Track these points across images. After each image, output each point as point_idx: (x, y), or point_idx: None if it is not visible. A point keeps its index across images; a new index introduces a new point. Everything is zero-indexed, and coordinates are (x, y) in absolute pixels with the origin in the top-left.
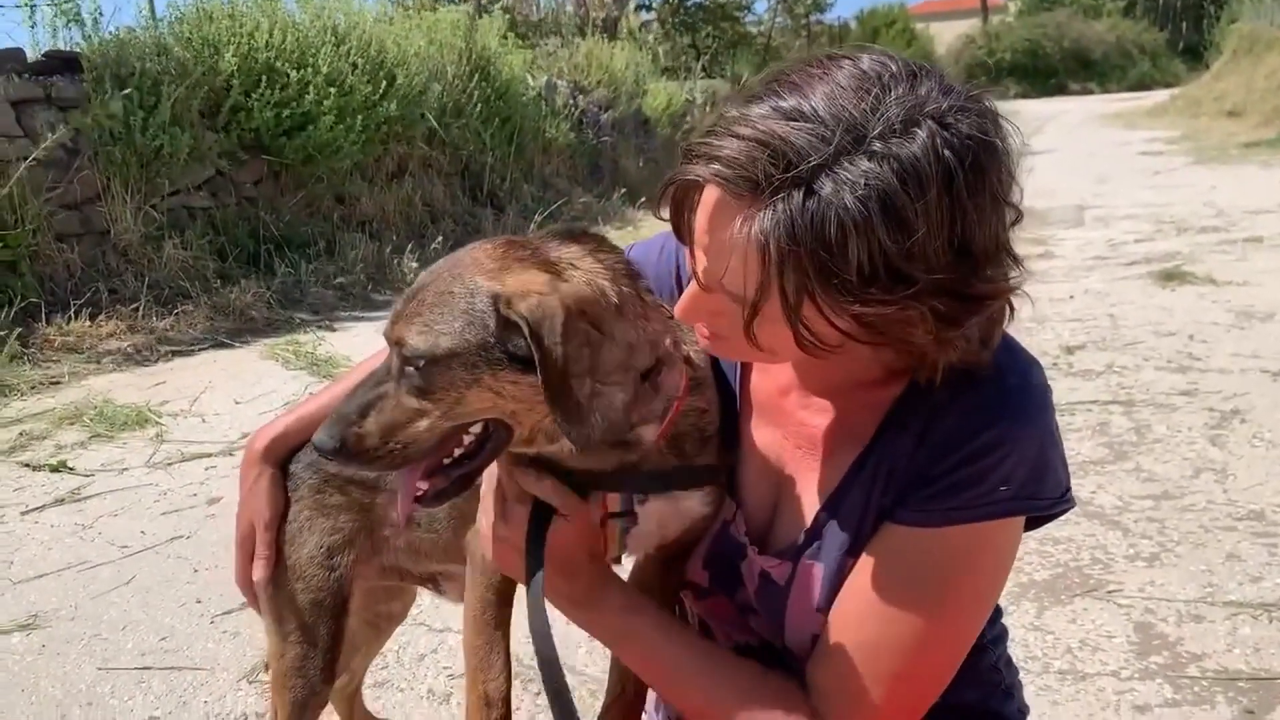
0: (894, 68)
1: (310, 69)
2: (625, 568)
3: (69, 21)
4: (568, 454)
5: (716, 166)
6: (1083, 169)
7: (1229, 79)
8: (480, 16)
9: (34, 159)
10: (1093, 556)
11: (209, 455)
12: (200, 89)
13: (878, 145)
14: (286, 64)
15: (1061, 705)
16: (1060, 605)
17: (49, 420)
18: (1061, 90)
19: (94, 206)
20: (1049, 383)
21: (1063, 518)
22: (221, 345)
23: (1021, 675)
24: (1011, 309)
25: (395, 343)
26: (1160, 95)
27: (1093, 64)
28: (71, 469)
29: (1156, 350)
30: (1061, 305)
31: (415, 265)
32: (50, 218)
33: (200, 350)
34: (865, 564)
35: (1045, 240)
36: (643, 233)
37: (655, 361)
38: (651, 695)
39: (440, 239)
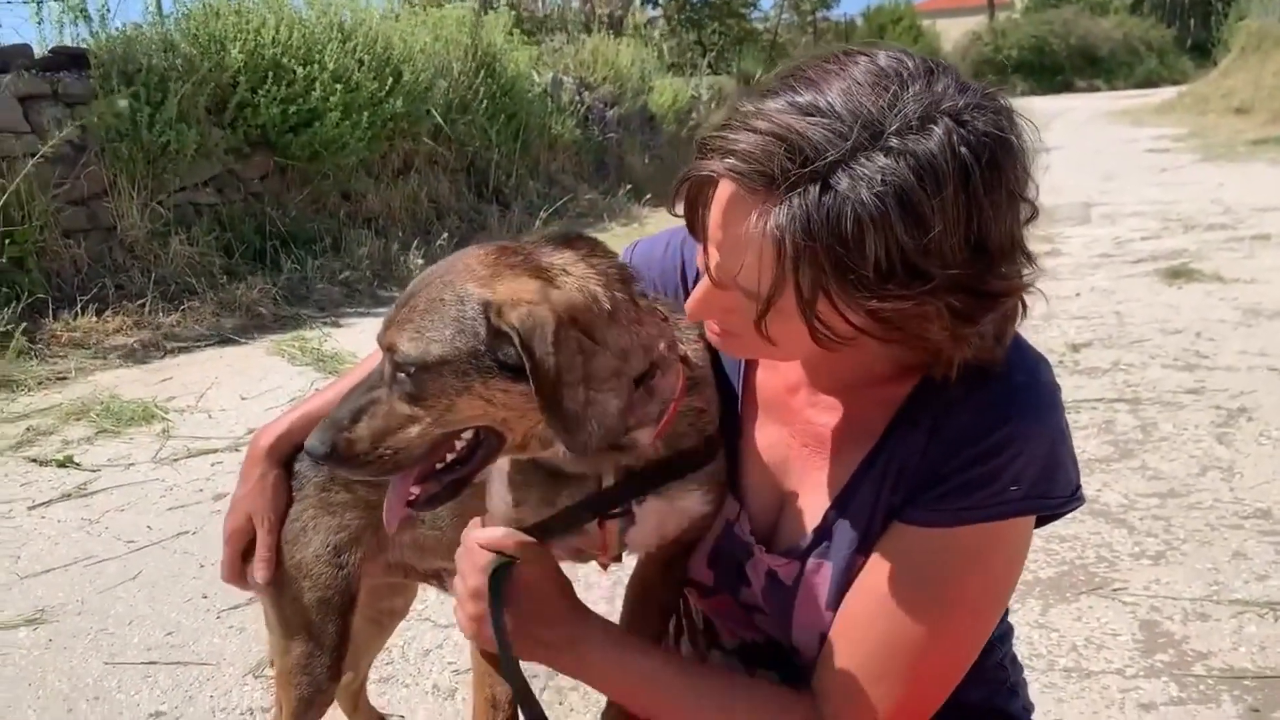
0: (910, 65)
1: (316, 65)
2: (626, 567)
3: (76, 18)
4: (563, 458)
5: (732, 161)
6: (1089, 166)
7: (1237, 76)
8: (486, 13)
9: (41, 155)
10: (1098, 554)
11: (215, 451)
12: (207, 85)
13: (895, 142)
14: (293, 60)
15: (1066, 703)
16: (1065, 603)
17: (56, 416)
18: (1068, 87)
19: (101, 202)
20: (1057, 380)
21: (1068, 515)
22: (228, 341)
23: (1026, 673)
24: (1024, 306)
25: (387, 349)
26: (1168, 92)
27: (1099, 61)
28: (78, 464)
29: (1163, 348)
30: (1068, 303)
31: (421, 262)
32: (57, 214)
33: (206, 346)
34: (875, 563)
35: (1052, 238)
36: (648, 229)
37: (649, 365)
38: None
39: (446, 235)
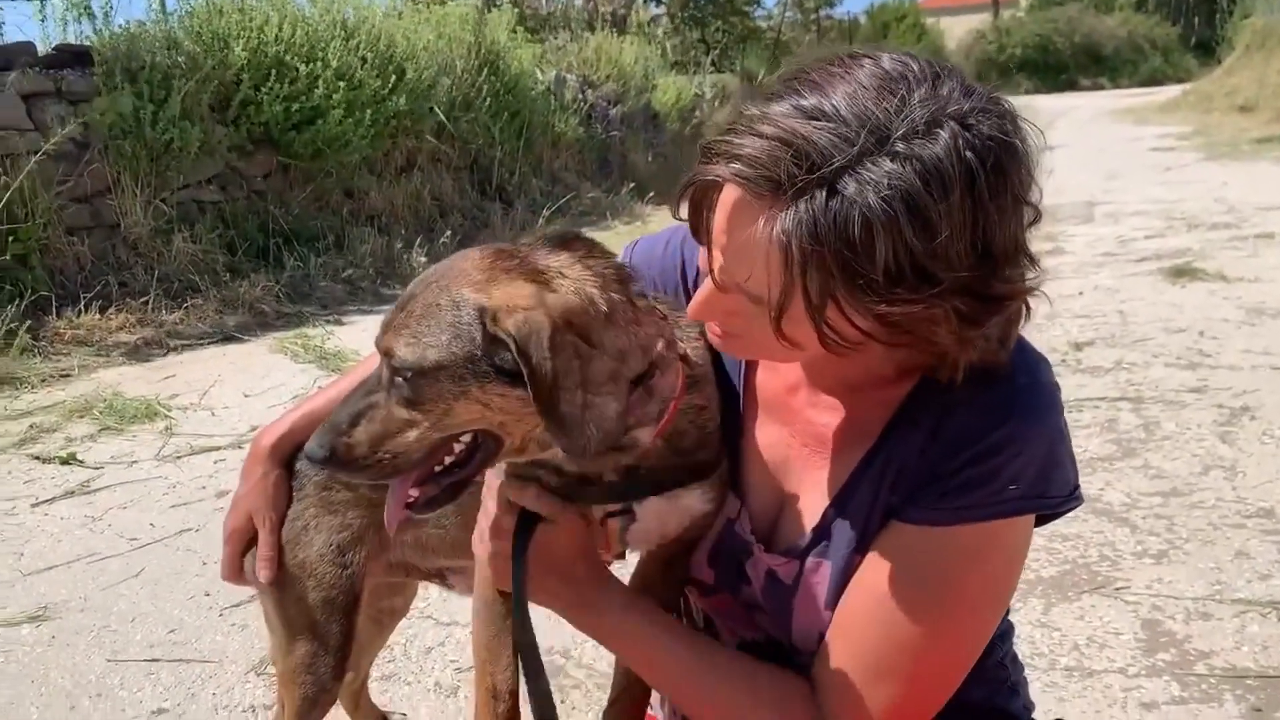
0: (915, 68)
1: (320, 63)
2: (629, 565)
3: (80, 15)
4: (563, 459)
5: (737, 166)
6: (1093, 165)
7: (1241, 74)
8: (489, 10)
9: (43, 152)
10: (1100, 553)
11: (218, 448)
12: (210, 83)
13: (901, 146)
14: (296, 58)
15: (1068, 702)
16: (1067, 602)
17: (59, 413)
18: (1072, 86)
19: (104, 200)
20: (1057, 380)
21: (1071, 514)
22: (231, 339)
23: (1028, 672)
24: (1028, 309)
25: (385, 353)
26: (1172, 90)
27: (1104, 59)
28: (81, 461)
29: (1166, 347)
30: (1071, 301)
31: (424, 259)
32: (60, 211)
33: (209, 344)
34: (873, 562)
35: (1055, 236)
36: (651, 227)
37: (648, 365)
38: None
39: (449, 233)
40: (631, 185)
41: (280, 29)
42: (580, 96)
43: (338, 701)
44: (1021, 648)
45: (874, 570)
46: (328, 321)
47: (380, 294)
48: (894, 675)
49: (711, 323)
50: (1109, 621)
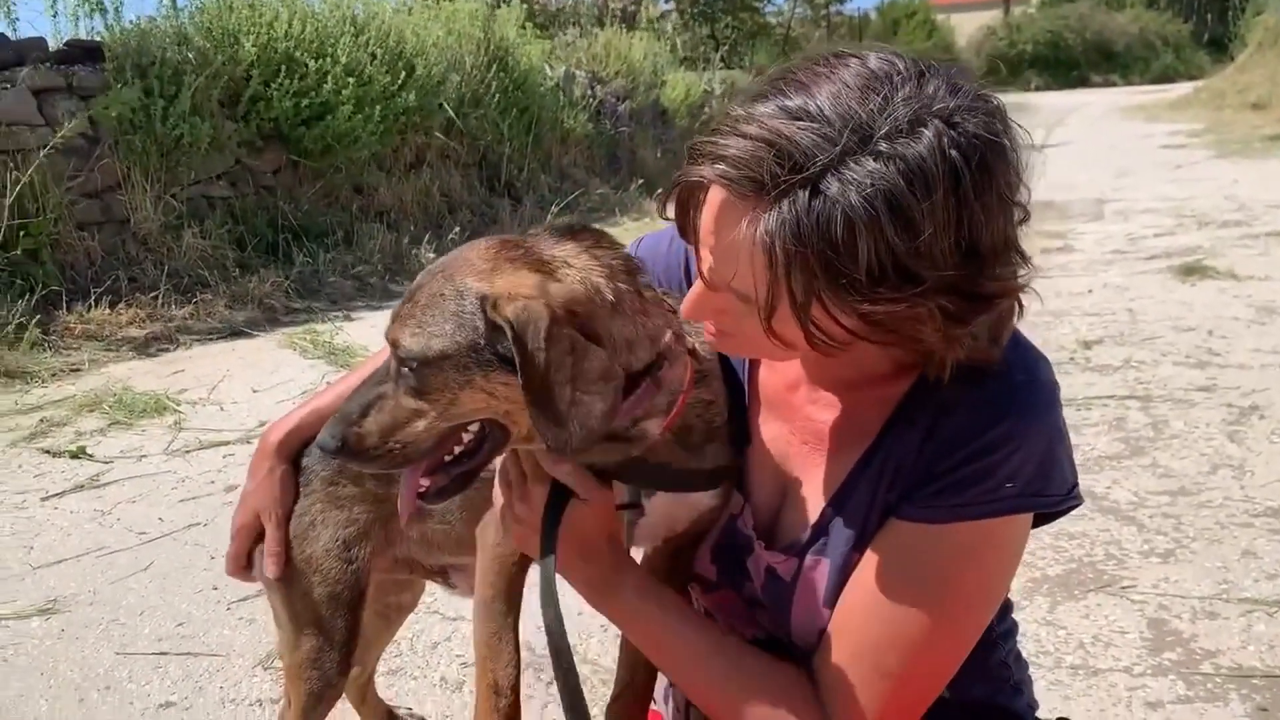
0: (901, 67)
1: (329, 59)
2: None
3: (91, 11)
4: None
5: (722, 167)
6: (1103, 162)
7: (1253, 71)
8: (499, 6)
9: (51, 147)
10: (1107, 552)
11: (226, 443)
12: (220, 79)
13: (884, 145)
14: (305, 54)
15: (1073, 701)
16: (1073, 600)
17: (69, 407)
18: (1084, 82)
19: (114, 195)
20: (1057, 379)
21: (1077, 513)
22: (240, 334)
23: (1033, 670)
24: (1021, 306)
25: (392, 343)
26: (1184, 88)
27: (1115, 56)
28: (91, 456)
29: (1175, 345)
30: (1080, 299)
31: (432, 255)
32: (71, 206)
33: (218, 339)
34: (870, 560)
35: (1065, 234)
36: (660, 224)
37: (656, 356)
38: (660, 685)
39: (458, 229)
40: (640, 182)
41: (290, 25)
42: (589, 93)
43: (345, 696)
44: (1027, 646)
45: (871, 568)
46: (336, 317)
47: (389, 290)
48: (890, 671)
49: (706, 321)
50: (1115, 620)
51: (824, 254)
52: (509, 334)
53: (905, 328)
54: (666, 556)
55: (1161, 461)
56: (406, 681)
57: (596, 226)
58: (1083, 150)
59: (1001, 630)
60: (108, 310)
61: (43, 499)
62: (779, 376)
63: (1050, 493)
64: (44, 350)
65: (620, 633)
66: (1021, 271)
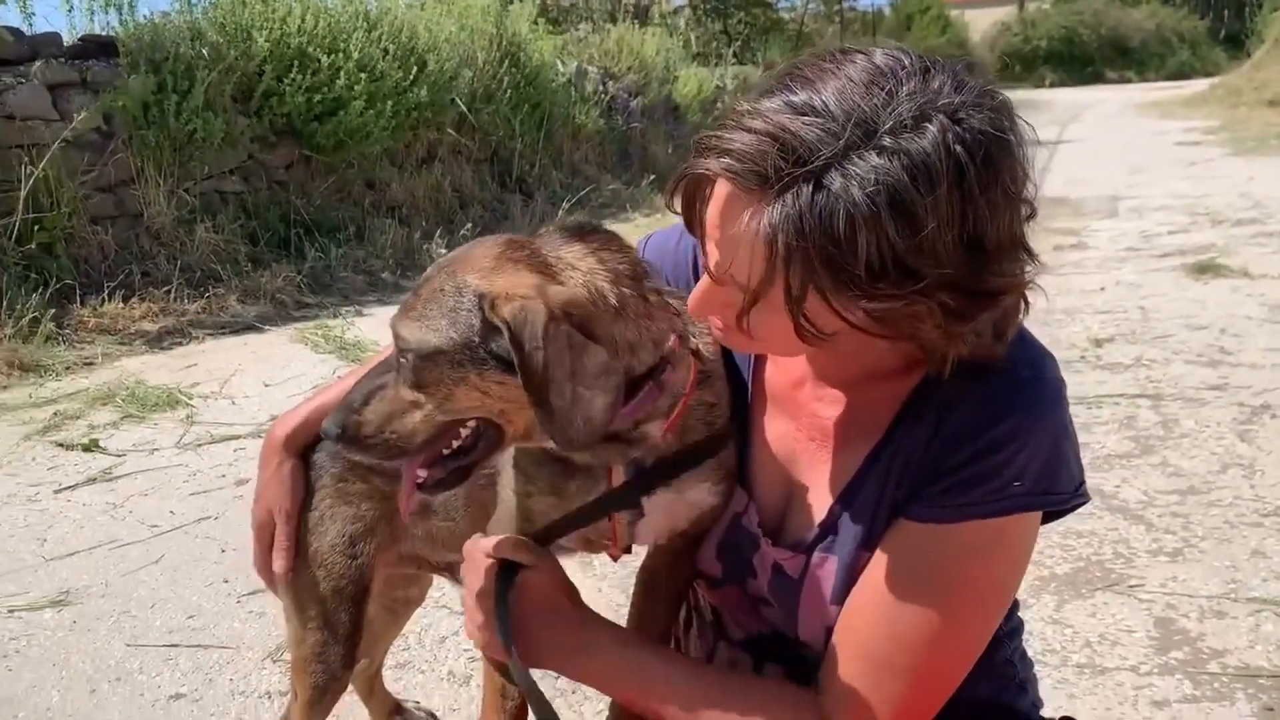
0: (907, 62)
1: (341, 54)
2: (635, 560)
3: (105, 6)
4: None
5: (727, 160)
6: (1118, 159)
7: (1270, 68)
8: (511, 2)
9: (62, 139)
10: (1115, 551)
11: (238, 437)
12: (233, 74)
13: (888, 140)
14: (318, 49)
15: (1079, 699)
16: (1080, 599)
17: (82, 400)
18: (1099, 79)
19: (128, 190)
20: (1063, 376)
21: (1086, 511)
22: (252, 328)
23: (1039, 669)
24: (1027, 303)
25: (394, 335)
26: (1199, 84)
27: (1131, 52)
28: (103, 449)
29: (1187, 344)
30: (1092, 297)
31: (444, 251)
32: (85, 201)
33: (230, 333)
34: (878, 560)
35: (1078, 231)
36: (671, 219)
37: (659, 360)
38: None
39: (469, 225)
40: (652, 178)
41: (303, 20)
42: (601, 88)
43: (353, 689)
44: (1033, 645)
45: (880, 568)
46: (348, 312)
47: (400, 285)
48: (899, 672)
49: (713, 317)
50: (1122, 619)
51: (825, 249)
52: (506, 334)
53: (904, 323)
54: (668, 555)
55: (1171, 460)
56: (414, 675)
57: (607, 228)
58: (1097, 147)
59: (1008, 628)
60: (121, 304)
61: (56, 491)
62: (784, 373)
63: (1058, 490)
64: (58, 344)
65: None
66: (1028, 268)
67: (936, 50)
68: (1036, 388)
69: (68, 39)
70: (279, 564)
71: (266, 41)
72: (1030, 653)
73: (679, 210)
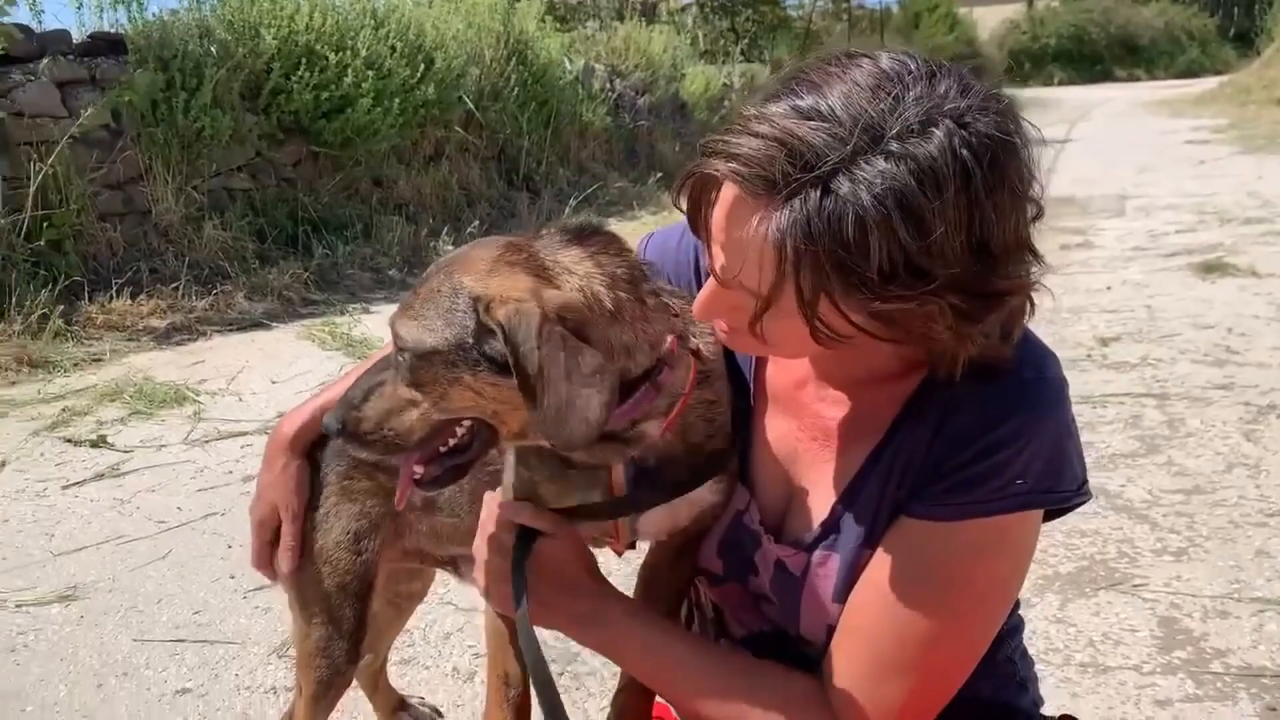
0: (913, 66)
1: (349, 52)
2: (637, 556)
3: (114, 3)
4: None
5: (734, 165)
6: (1125, 158)
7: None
8: (518, 0)
9: (70, 135)
10: (1119, 550)
11: (245, 434)
12: (241, 71)
13: (895, 145)
14: (326, 47)
15: (1081, 698)
16: (1084, 598)
17: (90, 397)
18: (1108, 77)
19: (136, 187)
20: (1066, 376)
21: (1090, 511)
22: (259, 325)
23: (1042, 668)
24: (1033, 304)
25: (393, 334)
26: (1209, 82)
27: (1140, 50)
28: (111, 445)
29: (1193, 343)
30: (1099, 296)
31: (450, 248)
32: (94, 197)
33: (238, 330)
34: (881, 558)
35: (1085, 230)
36: (677, 217)
37: (656, 361)
38: None
39: (476, 222)
40: (659, 175)
41: (311, 18)
42: (608, 86)
43: (358, 684)
44: (1036, 643)
45: (881, 566)
46: (355, 309)
47: (407, 283)
48: (901, 670)
49: (719, 319)
50: (1125, 618)
51: (835, 252)
52: (501, 336)
53: (916, 324)
54: (670, 551)
55: (1177, 460)
56: (419, 671)
57: (608, 229)
58: (1105, 146)
59: (1008, 627)
60: (129, 301)
61: (64, 487)
62: (787, 374)
63: (1060, 489)
64: (66, 340)
65: None
66: (1034, 269)
67: (945, 48)
68: (1040, 388)
69: (77, 36)
70: (286, 562)
71: (274, 39)
72: (1033, 651)
73: (685, 208)
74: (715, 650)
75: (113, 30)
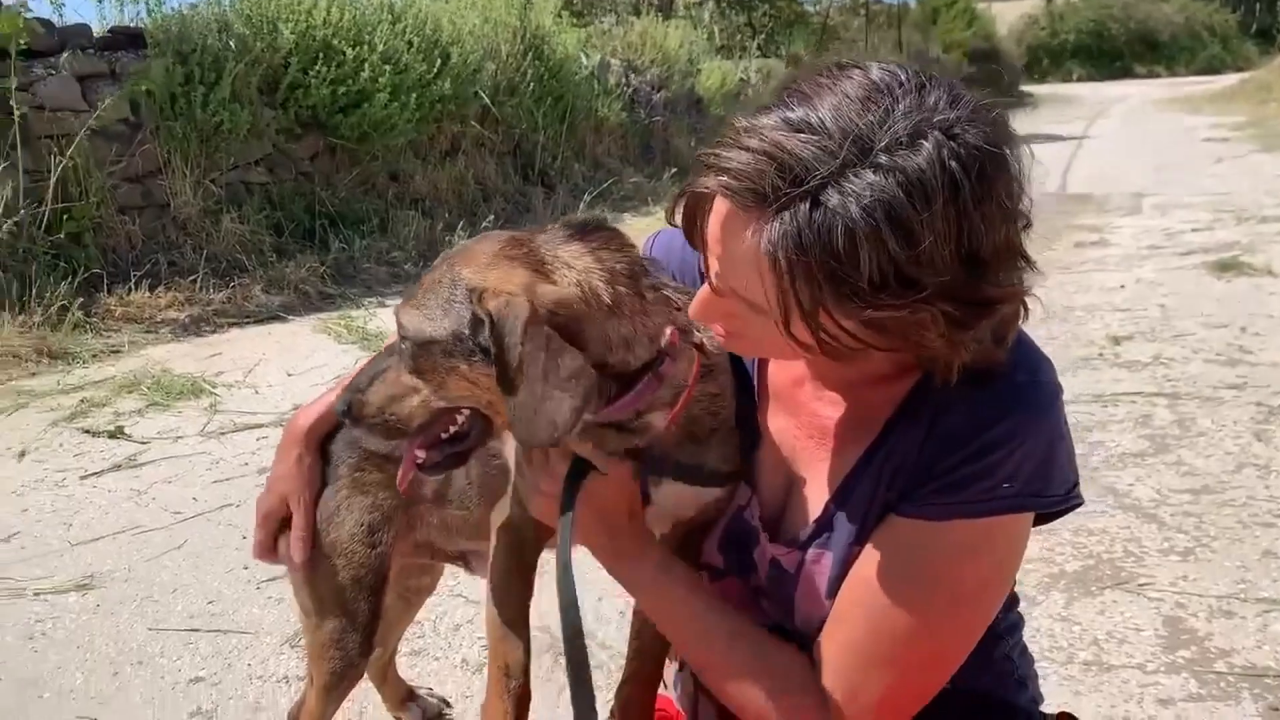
0: (903, 78)
1: (366, 46)
2: None
3: None
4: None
5: (725, 179)
6: (1143, 155)
7: None
8: None
9: (88, 128)
10: (1126, 549)
11: (261, 426)
12: (259, 65)
13: (883, 158)
14: (343, 41)
15: (1084, 696)
16: (1090, 597)
17: (109, 388)
18: (1127, 73)
19: (155, 180)
20: (1059, 380)
21: (1098, 510)
22: (276, 318)
23: (1045, 665)
24: (1026, 309)
25: (397, 322)
26: (1229, 79)
27: (1160, 46)
28: (129, 436)
29: (1206, 342)
30: (1112, 295)
31: None
32: (113, 190)
33: (255, 323)
34: (869, 555)
35: (1101, 228)
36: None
37: (657, 353)
38: (669, 671)
39: (491, 217)
40: (674, 171)
41: (328, 12)
42: (624, 81)
43: (367, 675)
44: (1040, 641)
45: (869, 562)
46: (371, 303)
47: (422, 277)
48: (885, 664)
49: (715, 324)
50: (1130, 617)
51: (826, 263)
52: (487, 327)
53: (909, 332)
54: (674, 543)
55: (1186, 459)
56: (429, 663)
57: (611, 225)
58: (1123, 143)
59: (1007, 624)
60: (147, 293)
61: (81, 477)
62: (786, 372)
63: (1050, 493)
64: (85, 332)
65: (630, 621)
66: (1025, 276)
67: (963, 43)
68: (1033, 391)
69: (97, 30)
70: (298, 554)
71: (292, 34)
72: (1037, 649)
73: (680, 225)
74: (733, 616)
75: (133, 24)
